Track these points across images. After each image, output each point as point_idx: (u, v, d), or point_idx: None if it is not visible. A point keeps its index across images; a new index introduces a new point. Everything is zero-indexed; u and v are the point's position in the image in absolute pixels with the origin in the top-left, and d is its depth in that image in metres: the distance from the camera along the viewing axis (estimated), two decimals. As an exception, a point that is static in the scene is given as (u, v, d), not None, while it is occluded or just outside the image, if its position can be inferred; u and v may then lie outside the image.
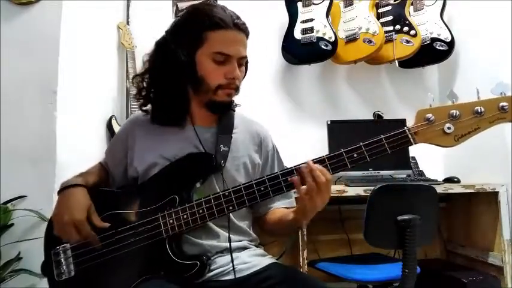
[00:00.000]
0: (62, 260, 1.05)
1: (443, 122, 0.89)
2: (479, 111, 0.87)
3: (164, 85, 1.11)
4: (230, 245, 1.04)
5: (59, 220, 1.03)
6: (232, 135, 1.14)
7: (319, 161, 0.96)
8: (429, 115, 0.90)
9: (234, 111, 1.20)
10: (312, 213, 0.98)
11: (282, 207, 1.18)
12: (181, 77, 1.07)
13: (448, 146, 0.90)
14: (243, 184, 1.00)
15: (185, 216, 1.00)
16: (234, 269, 1.02)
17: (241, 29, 1.08)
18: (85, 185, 1.10)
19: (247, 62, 1.15)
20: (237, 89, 1.11)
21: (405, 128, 0.92)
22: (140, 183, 1.11)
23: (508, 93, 0.87)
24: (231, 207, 0.99)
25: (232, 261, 1.02)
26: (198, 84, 1.07)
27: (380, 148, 0.93)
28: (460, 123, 0.88)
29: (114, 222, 1.05)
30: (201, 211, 1.00)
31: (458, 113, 0.88)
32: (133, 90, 2.16)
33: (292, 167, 0.97)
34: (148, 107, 1.16)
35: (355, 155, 0.94)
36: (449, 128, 0.88)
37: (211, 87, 1.06)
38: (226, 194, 1.00)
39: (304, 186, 0.93)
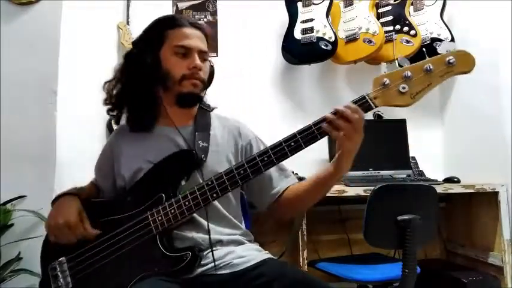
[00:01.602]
0: (59, 273, 1.07)
1: (398, 84, 0.97)
2: (429, 68, 0.95)
3: (134, 90, 1.16)
4: (209, 236, 1.06)
5: (53, 223, 1.07)
6: (210, 132, 1.19)
7: (291, 137, 1.00)
8: (385, 79, 0.98)
9: (210, 111, 1.26)
10: (352, 154, 1.00)
11: (291, 185, 1.20)
12: (149, 77, 1.14)
13: (406, 105, 0.98)
14: (224, 171, 1.03)
15: (172, 211, 1.03)
16: (214, 261, 1.03)
17: (197, 27, 1.19)
18: (77, 194, 1.15)
19: (212, 68, 1.22)
20: (202, 81, 1.17)
21: (364, 94, 1.00)
22: (127, 189, 1.14)
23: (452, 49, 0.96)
24: (214, 195, 1.02)
25: (213, 256, 1.03)
26: (165, 79, 1.14)
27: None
28: (413, 82, 0.96)
29: (105, 229, 1.07)
30: (187, 203, 1.03)
31: (410, 73, 0.96)
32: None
33: (317, 121, 1.00)
34: (115, 113, 1.22)
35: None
36: (404, 88, 0.97)
37: (176, 79, 1.13)
38: (209, 183, 1.03)
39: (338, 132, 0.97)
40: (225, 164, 1.15)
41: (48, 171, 1.61)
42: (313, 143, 1.01)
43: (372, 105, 0.98)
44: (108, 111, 1.23)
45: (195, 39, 1.16)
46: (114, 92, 1.21)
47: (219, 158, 1.16)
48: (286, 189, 1.19)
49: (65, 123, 1.69)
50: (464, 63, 0.94)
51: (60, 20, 1.71)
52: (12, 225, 1.55)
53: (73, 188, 1.19)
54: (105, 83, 1.23)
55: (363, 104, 0.98)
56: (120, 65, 1.21)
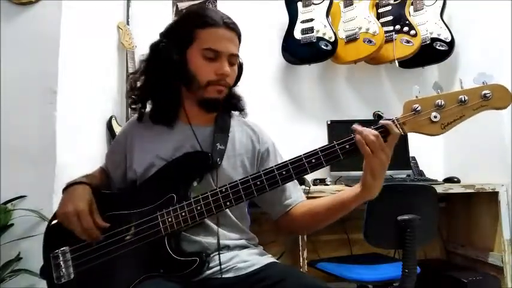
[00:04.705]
0: (61, 263, 1.06)
1: (430, 111, 0.92)
2: (463, 99, 0.90)
3: (158, 84, 1.13)
4: (218, 241, 1.05)
5: (63, 211, 1.05)
6: (229, 134, 1.16)
7: (313, 154, 0.97)
8: (416, 105, 0.93)
9: (246, 115, 1.23)
10: (379, 174, 0.95)
11: (304, 200, 1.18)
12: (174, 75, 1.10)
13: (436, 134, 0.93)
14: (239, 180, 1.01)
15: (183, 214, 1.01)
16: (221, 269, 1.02)
17: (231, 28, 1.10)
18: (89, 183, 1.12)
19: (241, 65, 1.17)
20: (227, 87, 1.12)
21: (393, 118, 0.95)
22: (139, 184, 1.12)
23: (489, 82, 0.91)
24: (228, 203, 1.00)
25: (219, 261, 1.03)
26: (190, 82, 1.10)
27: None
28: (446, 112, 0.92)
29: (113, 223, 1.05)
30: (199, 208, 1.01)
31: (443, 102, 0.91)
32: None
33: (312, 150, 0.97)
34: (138, 106, 1.19)
35: (347, 146, 0.96)
36: (435, 117, 0.92)
37: (202, 84, 1.09)
38: (224, 190, 1.01)
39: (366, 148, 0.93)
40: (240, 169, 1.14)
41: (48, 171, 1.60)
42: (334, 162, 0.98)
43: (400, 130, 0.94)
44: (131, 104, 1.20)
45: (226, 42, 1.08)
46: (138, 84, 1.17)
47: (235, 162, 1.14)
48: (299, 203, 1.16)
49: (65, 123, 1.68)
50: (500, 98, 0.89)
51: (60, 20, 1.70)
52: (12, 225, 1.55)
53: (83, 176, 1.15)
54: (129, 74, 1.21)
55: None
56: (145, 56, 1.16)
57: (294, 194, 1.17)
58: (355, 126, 0.95)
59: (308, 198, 1.26)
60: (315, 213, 1.11)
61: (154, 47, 1.13)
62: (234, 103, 1.22)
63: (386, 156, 0.94)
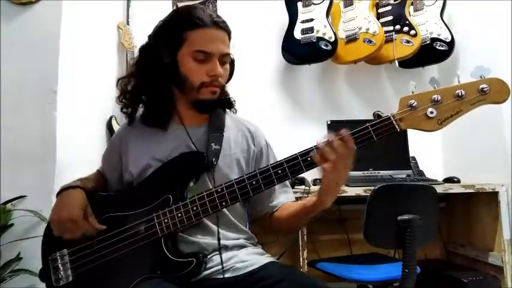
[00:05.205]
0: (60, 265, 1.07)
1: (426, 107, 0.91)
2: (460, 94, 0.89)
3: (150, 87, 1.13)
4: (219, 242, 1.06)
5: (57, 217, 1.04)
6: (224, 133, 1.16)
7: (308, 151, 0.97)
8: (412, 101, 0.92)
9: (236, 111, 1.23)
10: (337, 187, 0.98)
11: (288, 202, 1.18)
12: (165, 78, 1.09)
13: (432, 130, 0.92)
14: (235, 179, 1.01)
15: (179, 215, 1.01)
16: (223, 268, 1.02)
17: (221, 26, 1.09)
18: (83, 187, 1.11)
19: (233, 62, 1.16)
20: (221, 87, 1.12)
21: (389, 114, 0.94)
22: (135, 186, 1.12)
23: (487, 76, 0.89)
24: (224, 203, 1.00)
25: (221, 260, 1.03)
26: (183, 84, 1.09)
27: (366, 136, 0.94)
28: (442, 107, 0.90)
29: (110, 225, 1.06)
30: (195, 208, 1.01)
31: (439, 97, 0.90)
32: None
33: (308, 149, 0.97)
34: (129, 110, 1.19)
35: None
36: (432, 113, 0.91)
37: (195, 86, 1.08)
38: (219, 190, 1.01)
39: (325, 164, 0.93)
40: (235, 169, 1.14)
41: (48, 171, 1.60)
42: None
43: (397, 127, 0.93)
44: (122, 108, 1.19)
45: (216, 42, 1.07)
46: (129, 88, 1.16)
47: (230, 162, 1.14)
48: (284, 204, 1.17)
49: (65, 123, 1.69)
50: (498, 92, 0.87)
51: (60, 20, 1.70)
52: (12, 225, 1.55)
53: (78, 180, 1.15)
54: (119, 79, 1.19)
55: (387, 124, 0.93)
56: (135, 59, 1.16)
57: (280, 195, 1.18)
58: (320, 143, 0.94)
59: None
60: (288, 217, 1.13)
61: (144, 50, 1.14)
62: (224, 101, 1.22)
63: (344, 173, 0.95)
